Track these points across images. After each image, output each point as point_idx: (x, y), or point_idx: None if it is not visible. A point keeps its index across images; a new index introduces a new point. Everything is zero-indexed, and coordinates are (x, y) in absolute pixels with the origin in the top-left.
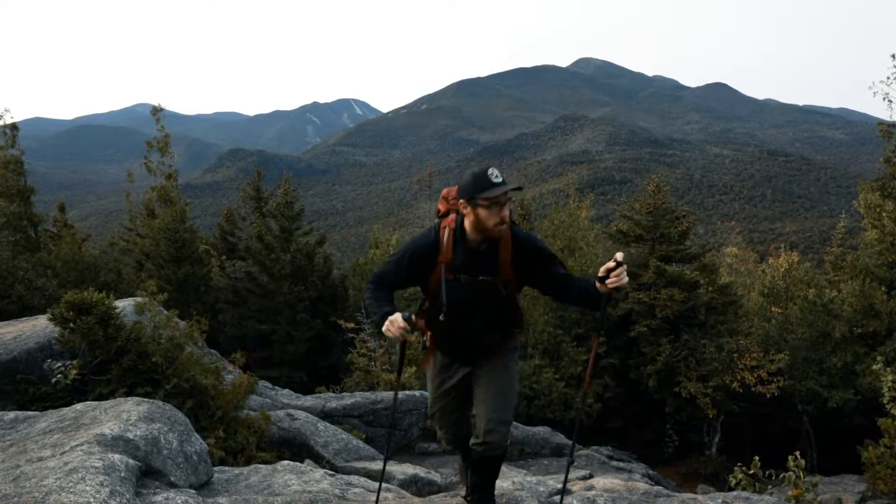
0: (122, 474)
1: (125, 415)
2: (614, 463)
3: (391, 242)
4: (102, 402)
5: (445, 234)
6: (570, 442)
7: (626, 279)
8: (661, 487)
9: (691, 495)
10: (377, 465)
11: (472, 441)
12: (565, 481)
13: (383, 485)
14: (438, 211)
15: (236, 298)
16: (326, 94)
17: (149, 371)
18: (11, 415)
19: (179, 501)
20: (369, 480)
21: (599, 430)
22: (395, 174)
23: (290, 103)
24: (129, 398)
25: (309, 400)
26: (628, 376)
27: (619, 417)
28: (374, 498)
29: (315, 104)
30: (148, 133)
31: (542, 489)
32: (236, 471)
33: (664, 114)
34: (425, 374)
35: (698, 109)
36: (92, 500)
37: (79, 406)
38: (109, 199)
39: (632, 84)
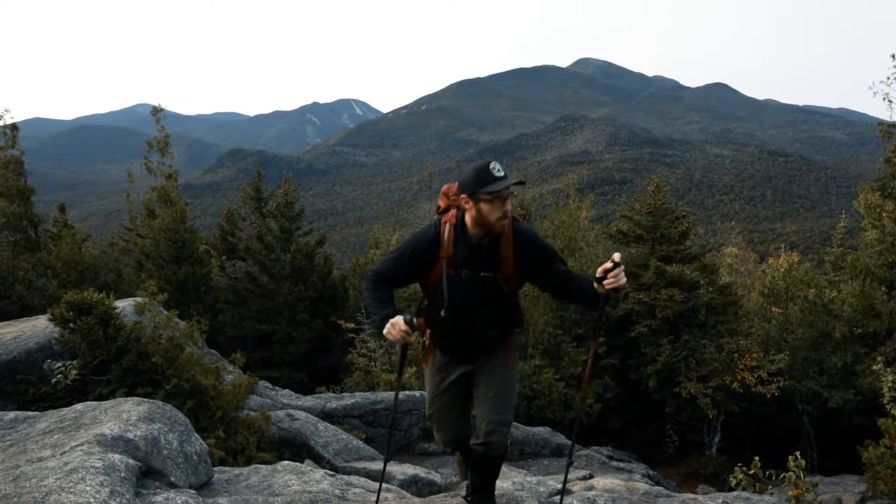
0: (123, 474)
1: (125, 415)
2: (614, 463)
3: (391, 242)
4: (102, 403)
5: (446, 230)
6: (570, 442)
7: (623, 280)
8: (661, 488)
9: (691, 495)
10: (377, 466)
11: (472, 441)
12: (565, 482)
13: (383, 485)
14: (438, 207)
15: (236, 299)
16: (326, 95)
17: (149, 371)
18: (11, 415)
19: (179, 501)
20: (369, 481)
21: (599, 431)
22: (395, 174)
23: (290, 103)
24: (129, 398)
25: (309, 400)
26: (628, 376)
27: (619, 418)
28: (374, 498)
29: (315, 104)
30: (148, 133)
31: (542, 489)
32: (236, 471)
33: (664, 114)
34: (424, 374)
35: (698, 110)
36: (92, 500)
37: (79, 406)
38: (109, 200)
39: (632, 84)
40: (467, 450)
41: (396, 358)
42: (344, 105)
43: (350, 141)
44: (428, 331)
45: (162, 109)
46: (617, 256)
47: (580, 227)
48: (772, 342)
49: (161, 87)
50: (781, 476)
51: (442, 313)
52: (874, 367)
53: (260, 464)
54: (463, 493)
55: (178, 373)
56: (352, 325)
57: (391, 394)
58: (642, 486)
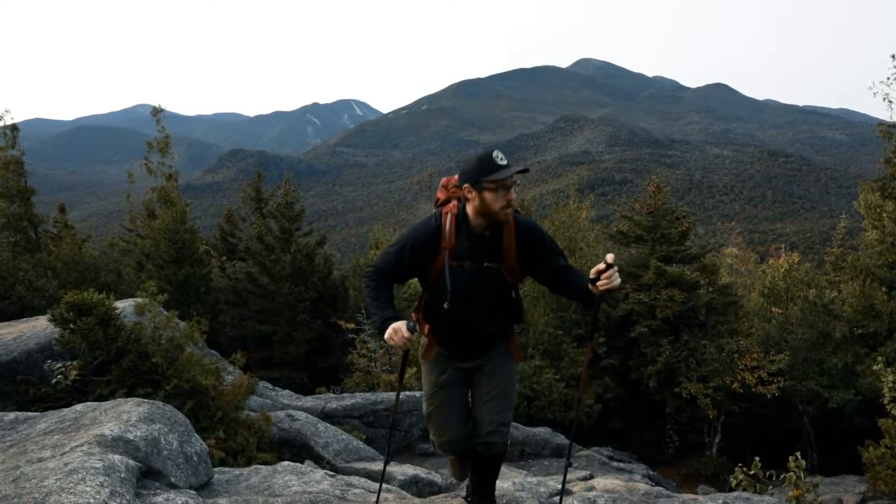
0: (123, 475)
1: (125, 415)
2: (615, 464)
3: (391, 243)
4: (102, 403)
5: (447, 221)
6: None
7: (617, 281)
8: (661, 488)
9: (692, 496)
10: (377, 466)
11: (473, 441)
12: (563, 483)
13: (384, 485)
14: (438, 200)
15: (236, 299)
16: (327, 95)
17: (149, 372)
18: (11, 415)
19: (179, 502)
20: (370, 481)
21: (600, 431)
22: (395, 175)
23: (291, 104)
24: (129, 399)
25: (309, 401)
26: (629, 377)
27: (619, 418)
28: (374, 499)
29: (315, 105)
30: (148, 134)
31: (542, 490)
32: (236, 471)
33: (664, 114)
34: (422, 371)
35: (698, 110)
36: (92, 500)
37: (79, 407)
38: (110, 200)
39: (632, 85)
40: (464, 452)
41: (397, 358)
42: (344, 105)
43: (350, 141)
44: (427, 326)
45: (162, 110)
46: (610, 258)
47: (580, 227)
48: (772, 342)
49: (161, 88)
50: (782, 476)
51: (445, 305)
52: (874, 368)
53: (260, 464)
54: (463, 493)
55: (178, 373)
56: (352, 326)
57: (391, 394)
58: (643, 486)
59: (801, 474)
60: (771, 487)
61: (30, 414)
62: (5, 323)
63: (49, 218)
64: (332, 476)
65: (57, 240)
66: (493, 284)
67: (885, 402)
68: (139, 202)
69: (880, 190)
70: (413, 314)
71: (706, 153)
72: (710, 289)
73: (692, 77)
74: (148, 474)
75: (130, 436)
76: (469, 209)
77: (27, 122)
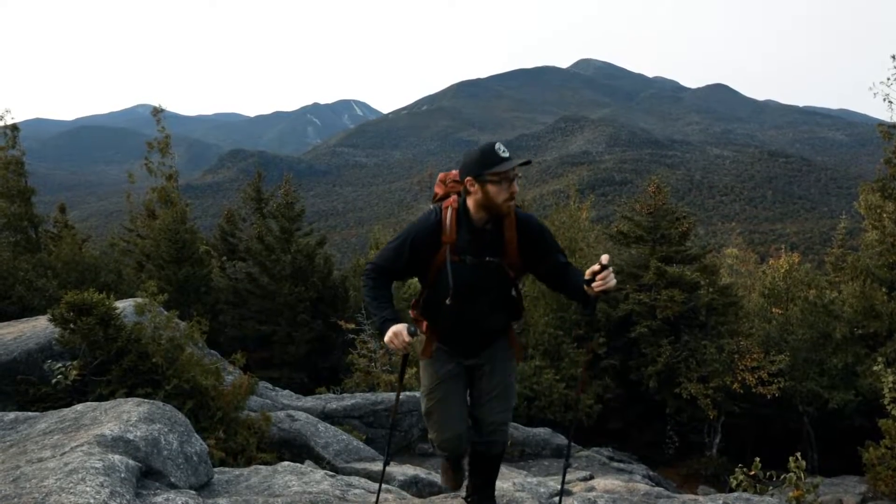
0: (123, 475)
1: (125, 415)
2: (615, 464)
3: (390, 240)
4: (102, 403)
5: (448, 215)
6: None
7: (612, 282)
8: (661, 489)
9: (692, 496)
10: (377, 466)
11: (473, 439)
12: (563, 484)
13: (384, 486)
14: (436, 195)
15: (237, 299)
16: (327, 95)
17: (149, 372)
18: (11, 415)
19: (179, 502)
20: (370, 481)
21: (600, 432)
22: (395, 175)
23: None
24: (129, 399)
25: (309, 401)
26: (629, 377)
27: (619, 419)
28: (374, 499)
29: (315, 105)
30: (148, 134)
31: (542, 490)
32: (236, 472)
33: (664, 115)
34: (420, 368)
35: (699, 110)
36: (92, 500)
37: (79, 407)
38: (110, 200)
39: (632, 85)
40: (463, 453)
41: (397, 359)
42: (344, 106)
43: (350, 142)
44: (425, 323)
45: (162, 110)
46: (605, 258)
47: (581, 227)
48: (772, 343)
49: (161, 88)
50: (782, 477)
51: (447, 301)
52: (875, 368)
53: (260, 464)
54: (463, 493)
55: (178, 373)
56: (352, 326)
57: (391, 395)
58: (643, 486)
59: (802, 475)
60: (771, 488)
61: (30, 414)
62: (5, 323)
63: (49, 218)
64: (332, 476)
65: (57, 240)
66: (494, 279)
67: (886, 402)
68: (139, 202)
69: (880, 190)
70: (411, 311)
71: (706, 154)
72: (711, 289)
73: (692, 77)
74: (148, 474)
75: (130, 436)
76: (470, 203)
77: (27, 122)
